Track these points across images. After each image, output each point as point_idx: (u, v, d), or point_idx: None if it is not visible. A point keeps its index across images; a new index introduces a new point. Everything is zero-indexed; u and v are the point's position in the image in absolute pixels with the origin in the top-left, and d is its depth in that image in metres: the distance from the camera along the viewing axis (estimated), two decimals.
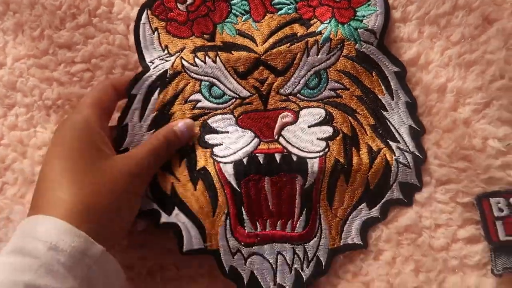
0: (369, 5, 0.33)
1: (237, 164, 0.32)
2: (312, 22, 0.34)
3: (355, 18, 0.33)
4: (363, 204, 0.32)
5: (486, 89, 0.32)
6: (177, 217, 0.31)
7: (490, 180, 0.31)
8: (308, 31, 0.33)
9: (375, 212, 0.32)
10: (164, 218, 0.31)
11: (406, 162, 0.32)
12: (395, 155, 0.32)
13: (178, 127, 0.32)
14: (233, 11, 0.35)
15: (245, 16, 0.35)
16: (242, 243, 0.31)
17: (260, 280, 0.31)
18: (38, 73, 0.36)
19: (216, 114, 0.33)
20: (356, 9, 0.33)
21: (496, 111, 0.31)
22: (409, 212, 0.32)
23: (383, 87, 0.33)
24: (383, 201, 0.32)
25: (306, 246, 0.31)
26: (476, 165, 0.31)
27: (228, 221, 0.32)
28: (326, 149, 0.32)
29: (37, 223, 0.26)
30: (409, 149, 0.32)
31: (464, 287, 0.30)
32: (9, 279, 0.23)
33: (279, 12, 0.34)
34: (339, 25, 0.33)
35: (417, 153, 0.32)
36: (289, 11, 0.34)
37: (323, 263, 0.31)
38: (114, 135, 0.33)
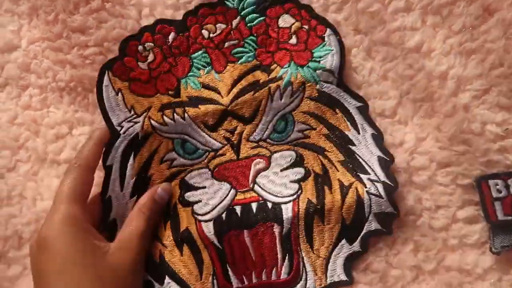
0: (324, 45, 0.34)
1: (217, 221, 0.33)
2: (272, 67, 0.34)
3: (313, 59, 0.34)
4: (343, 240, 0.33)
5: (486, 76, 0.33)
6: (169, 285, 0.33)
7: (488, 163, 0.32)
8: (269, 77, 0.34)
9: (356, 246, 0.32)
10: None
11: (377, 193, 0.32)
12: (366, 187, 0.32)
13: (158, 194, 0.33)
14: (195, 64, 0.35)
15: (207, 68, 0.35)
16: None
17: None
18: (52, 55, 0.37)
19: (192, 170, 0.34)
20: (313, 51, 0.34)
21: (495, 97, 0.32)
22: (410, 195, 0.33)
23: (348, 123, 0.34)
24: (362, 234, 0.32)
25: None
26: (475, 149, 0.32)
27: (215, 280, 0.33)
28: (299, 191, 0.33)
29: None
30: (380, 179, 0.32)
31: (463, 264, 0.31)
32: None
33: (240, 61, 0.35)
34: (298, 68, 0.34)
35: (388, 182, 0.32)
36: (249, 59, 0.35)
37: None
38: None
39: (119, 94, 0.35)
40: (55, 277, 0.28)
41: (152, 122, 0.34)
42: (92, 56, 0.37)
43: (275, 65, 0.34)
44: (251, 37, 0.35)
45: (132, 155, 0.34)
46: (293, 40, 0.34)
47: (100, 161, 0.34)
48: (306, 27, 0.34)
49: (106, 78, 0.35)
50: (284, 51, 0.34)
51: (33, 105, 0.37)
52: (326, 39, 0.34)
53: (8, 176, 0.37)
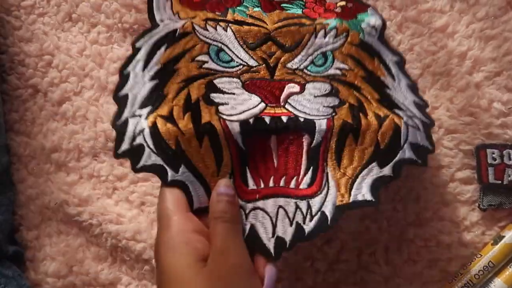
0: (367, 13, 0.36)
1: (244, 124, 0.31)
2: (318, 20, 0.35)
3: (357, 18, 0.36)
4: (374, 163, 0.31)
5: (499, 60, 0.37)
6: (184, 175, 0.30)
7: (489, 135, 0.36)
8: (315, 22, 0.35)
9: (387, 170, 0.31)
10: (171, 175, 0.30)
11: (414, 125, 0.32)
12: (403, 119, 0.31)
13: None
14: (245, 3, 0.36)
15: (257, 8, 0.35)
16: (244, 200, 0.31)
17: (259, 232, 0.30)
18: None
19: (222, 76, 0.32)
20: (357, 15, 0.36)
21: (504, 80, 0.36)
22: None
23: (384, 71, 0.34)
24: (395, 160, 0.31)
25: (310, 201, 0.31)
26: (480, 121, 0.36)
27: (232, 180, 0.31)
28: (334, 114, 0.32)
29: None
30: (417, 116, 0.33)
31: (454, 216, 0.36)
32: None
33: (287, 11, 0.36)
34: (344, 21, 0.35)
35: (424, 119, 0.32)
36: (297, 12, 0.36)
37: (329, 218, 0.30)
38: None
39: (169, 0, 0.35)
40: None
41: (194, 25, 0.33)
42: None
43: (321, 18, 0.35)
44: (300, 1, 0.37)
45: (164, 46, 0.33)
46: (338, 9, 0.36)
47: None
48: (351, 4, 0.37)
49: None
50: (331, 12, 0.36)
51: (100, 41, 0.43)
52: (369, 12, 0.37)
53: (74, 99, 0.42)
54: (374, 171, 0.31)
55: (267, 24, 0.34)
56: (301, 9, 0.36)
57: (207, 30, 0.34)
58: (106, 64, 0.42)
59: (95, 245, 0.41)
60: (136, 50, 0.33)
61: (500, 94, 0.36)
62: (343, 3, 0.37)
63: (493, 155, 0.35)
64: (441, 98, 0.38)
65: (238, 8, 0.35)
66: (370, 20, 0.35)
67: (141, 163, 0.30)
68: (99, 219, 0.40)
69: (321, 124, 0.31)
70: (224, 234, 0.28)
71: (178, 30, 0.33)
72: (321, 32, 0.34)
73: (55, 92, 0.42)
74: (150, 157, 0.30)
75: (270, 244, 0.30)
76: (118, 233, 0.40)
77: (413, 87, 0.34)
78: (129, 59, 0.33)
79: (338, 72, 0.34)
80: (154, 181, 0.41)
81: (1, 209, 0.40)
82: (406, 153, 0.31)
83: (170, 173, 0.30)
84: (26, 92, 0.43)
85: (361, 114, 0.32)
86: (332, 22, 0.34)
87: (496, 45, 0.37)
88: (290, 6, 0.36)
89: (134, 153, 0.30)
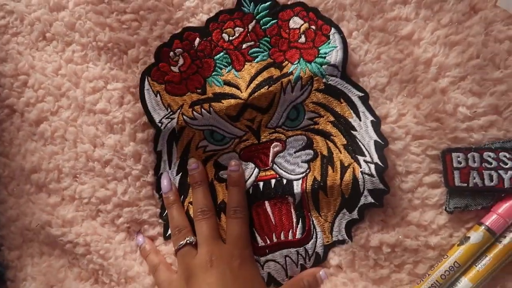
0: (329, 43, 0.39)
1: (246, 193, 0.40)
2: (284, 64, 0.39)
3: (319, 55, 0.39)
4: (344, 210, 0.39)
5: (464, 65, 0.37)
6: None
7: (455, 139, 0.37)
8: (282, 72, 0.39)
9: (354, 214, 0.38)
10: None
11: (369, 172, 0.37)
12: (361, 168, 0.37)
13: (320, 275, 0.39)
14: (218, 64, 0.40)
15: (228, 67, 0.40)
16: (257, 255, 0.39)
17: (276, 277, 0.40)
18: (94, 18, 0.42)
19: (223, 154, 0.41)
20: (319, 48, 0.39)
21: (469, 84, 0.37)
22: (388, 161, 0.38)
23: (351, 111, 0.39)
24: (359, 205, 0.38)
25: (306, 247, 0.39)
26: (446, 126, 0.37)
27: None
28: (308, 170, 0.39)
29: None
30: (373, 160, 0.37)
31: (422, 220, 0.38)
32: None
33: (256, 60, 0.40)
34: (307, 64, 0.39)
35: (379, 163, 0.37)
36: (264, 58, 0.39)
37: (321, 256, 0.39)
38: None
39: (158, 95, 0.41)
40: None
41: (185, 117, 0.40)
42: (129, 22, 0.41)
43: (286, 62, 0.39)
44: (266, 38, 0.40)
45: (174, 143, 0.41)
46: (302, 39, 0.39)
47: (148, 146, 0.42)
48: (314, 27, 0.39)
49: (146, 82, 0.41)
50: (294, 49, 0.39)
51: (75, 59, 0.43)
52: (331, 37, 0.39)
53: (51, 119, 0.43)
54: (346, 216, 0.39)
55: (241, 92, 0.39)
56: (268, 50, 0.40)
57: (195, 119, 0.40)
58: (82, 83, 0.42)
59: (77, 266, 0.42)
60: (158, 154, 0.42)
61: (465, 98, 0.37)
62: (306, 26, 0.39)
63: (458, 159, 0.36)
64: (408, 105, 0.38)
65: (213, 76, 0.40)
66: (331, 57, 0.38)
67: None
68: (87, 239, 0.41)
69: (298, 187, 0.39)
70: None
71: (175, 128, 0.41)
72: (288, 88, 0.39)
73: (31, 112, 0.43)
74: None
75: None
76: (109, 250, 0.40)
77: (376, 124, 0.38)
78: (158, 164, 0.42)
79: (310, 122, 0.40)
80: (141, 205, 0.41)
81: None
82: (367, 198, 0.38)
83: None
84: (2, 112, 0.43)
85: (329, 167, 0.39)
86: (297, 70, 0.39)
87: (460, 51, 0.38)
88: (257, 51, 0.40)
89: None
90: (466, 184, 0.36)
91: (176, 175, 0.41)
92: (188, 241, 0.39)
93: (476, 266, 0.35)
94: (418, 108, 0.38)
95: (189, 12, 0.41)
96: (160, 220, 0.42)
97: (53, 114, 0.43)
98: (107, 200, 0.41)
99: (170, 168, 0.41)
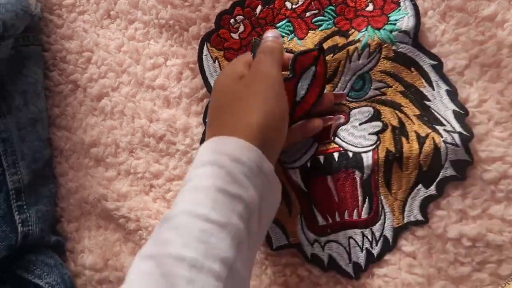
0: (399, 10, 0.36)
1: (303, 169, 0.37)
2: (350, 32, 0.37)
3: (389, 22, 0.36)
4: (419, 185, 0.35)
5: None
6: None
7: None
8: (347, 41, 0.37)
9: (432, 190, 0.35)
10: None
11: (453, 142, 0.34)
12: (442, 137, 0.34)
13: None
14: (280, 32, 0.38)
15: (290, 36, 0.38)
16: (318, 234, 0.36)
17: (338, 261, 0.36)
18: None
19: None
20: (389, 15, 0.36)
21: None
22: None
23: (423, 80, 0.35)
24: (438, 179, 0.34)
25: (372, 229, 0.36)
26: None
27: (303, 218, 0.37)
28: (378, 142, 0.36)
29: (225, 142, 0.29)
30: (455, 130, 0.34)
31: (506, 215, 0.34)
32: (203, 184, 0.27)
33: (320, 28, 0.38)
34: (375, 31, 0.36)
35: (463, 132, 0.34)
36: (329, 26, 0.38)
37: (390, 240, 0.36)
38: None
39: (216, 61, 0.40)
40: (254, 88, 0.31)
41: None
42: None
43: (352, 30, 0.37)
44: (330, 7, 0.38)
45: None
46: (370, 7, 0.37)
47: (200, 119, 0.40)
48: None
49: (205, 48, 0.40)
50: (362, 17, 0.37)
51: (137, 37, 0.43)
52: (401, 4, 0.36)
53: (112, 94, 0.43)
54: (421, 192, 0.35)
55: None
56: (333, 19, 0.38)
57: None
58: (143, 60, 0.43)
59: (131, 241, 0.42)
60: (206, 124, 0.39)
61: None
62: None
63: None
64: (490, 90, 0.35)
65: None
66: (402, 23, 0.36)
67: None
68: (138, 214, 0.41)
69: (368, 159, 0.36)
70: (262, 56, 0.33)
71: None
72: (355, 55, 0.36)
73: (94, 88, 0.44)
74: None
75: (349, 269, 0.37)
76: None
77: (452, 94, 0.35)
78: (204, 134, 0.40)
79: (377, 92, 0.37)
80: None
81: (43, 200, 0.41)
82: (448, 171, 0.34)
83: None
84: (67, 87, 0.45)
85: (403, 138, 0.35)
86: (364, 38, 0.36)
87: None
88: (321, 19, 0.38)
89: None
90: None
91: None
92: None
93: None
94: (502, 94, 0.35)
95: None
96: None
97: (114, 89, 0.43)
98: (160, 175, 0.41)
99: None
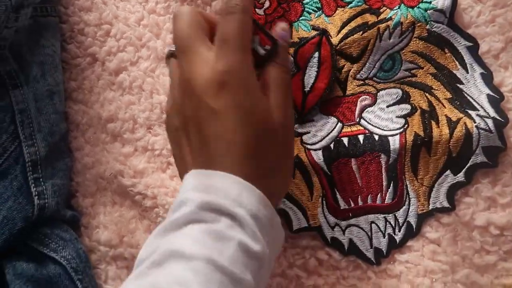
0: None
1: (326, 150, 0.35)
2: (381, 10, 0.35)
3: (423, 1, 0.34)
4: (448, 171, 0.34)
5: None
6: (284, 204, 0.37)
7: None
8: (378, 19, 0.35)
9: (460, 177, 0.33)
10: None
11: (487, 127, 0.32)
12: (475, 122, 0.33)
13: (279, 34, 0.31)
14: (306, 9, 0.37)
15: (318, 12, 0.37)
16: (339, 218, 0.36)
17: (358, 245, 0.36)
18: None
19: None
20: None
21: None
22: None
23: (456, 62, 0.34)
24: (467, 165, 0.33)
25: (396, 214, 0.35)
26: None
27: (324, 201, 0.36)
28: (406, 125, 0.34)
29: (232, 187, 0.27)
30: (489, 115, 0.33)
31: None
32: (225, 234, 0.25)
33: (349, 6, 0.36)
34: (409, 9, 0.34)
35: (498, 117, 0.32)
36: (359, 3, 0.36)
37: (414, 227, 0.35)
38: None
39: None
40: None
41: None
42: None
43: (384, 8, 0.35)
44: None
45: None
46: None
47: None
48: None
49: None
50: None
51: (157, 10, 0.42)
52: None
53: (130, 69, 0.42)
54: (449, 179, 0.34)
55: (331, 37, 0.36)
56: None
57: None
58: (163, 35, 0.42)
59: (147, 219, 0.41)
60: None
61: None
62: None
63: None
64: None
65: (301, 20, 0.37)
66: (438, 1, 0.34)
67: None
68: (154, 191, 0.40)
69: (395, 142, 0.34)
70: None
71: None
72: (386, 34, 0.35)
73: (112, 62, 0.42)
74: None
75: (370, 254, 0.36)
76: None
77: (487, 77, 0.34)
78: None
79: (407, 73, 0.35)
80: None
81: (59, 174, 0.41)
82: (479, 157, 0.33)
83: None
84: (84, 61, 0.44)
85: (432, 122, 0.34)
86: (397, 16, 0.35)
87: None
88: None
89: None
90: None
91: None
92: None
93: None
94: None
95: None
96: None
97: (133, 64, 0.42)
98: None
99: None
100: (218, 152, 0.28)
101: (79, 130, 0.44)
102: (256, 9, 0.38)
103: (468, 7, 0.35)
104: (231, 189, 0.26)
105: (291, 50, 0.36)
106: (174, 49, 0.31)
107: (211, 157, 0.28)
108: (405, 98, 0.35)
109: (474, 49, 0.34)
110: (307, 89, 0.36)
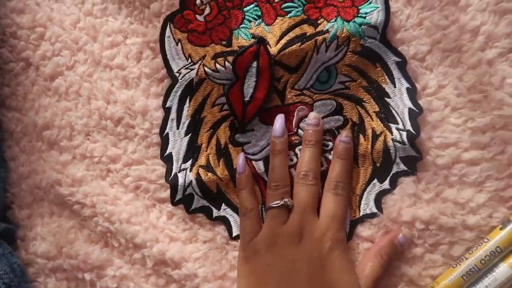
0: (370, 2, 0.36)
1: (266, 160, 0.37)
2: (319, 22, 0.36)
3: (359, 15, 0.36)
4: (375, 180, 0.36)
5: None
6: (225, 211, 0.38)
7: (500, 114, 0.34)
8: (316, 30, 0.36)
9: (386, 184, 0.36)
10: (215, 213, 0.38)
11: (401, 140, 0.35)
12: (392, 135, 0.35)
13: (398, 241, 0.34)
14: (247, 17, 0.37)
15: (258, 21, 0.37)
16: None
17: None
18: None
19: None
20: (359, 7, 0.36)
21: None
22: (422, 133, 0.35)
23: (386, 77, 0.36)
24: (390, 174, 0.36)
25: None
26: (491, 99, 0.34)
27: (263, 208, 0.37)
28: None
29: None
30: (405, 128, 0.35)
31: (458, 198, 0.35)
32: None
33: (289, 15, 0.37)
34: (345, 23, 0.36)
35: (411, 130, 0.35)
36: (298, 14, 0.36)
37: (346, 233, 0.36)
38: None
39: (179, 44, 0.38)
40: None
41: (206, 69, 0.37)
42: None
43: (322, 19, 0.36)
44: None
45: (188, 99, 0.38)
46: None
47: (160, 101, 0.38)
48: None
49: (168, 29, 0.38)
50: (332, 7, 0.36)
51: (94, 12, 0.41)
52: None
53: (67, 73, 0.41)
54: (376, 187, 0.36)
55: (270, 47, 0.36)
56: (302, 6, 0.37)
57: (217, 71, 0.37)
58: (100, 38, 0.41)
59: (87, 228, 0.40)
60: (167, 110, 0.39)
61: None
62: None
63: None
64: (449, 76, 0.35)
65: (241, 28, 0.37)
66: (371, 17, 0.35)
67: (193, 206, 0.38)
68: (93, 200, 0.39)
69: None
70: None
71: (194, 79, 0.38)
72: (323, 47, 0.36)
73: (47, 66, 0.41)
74: (198, 201, 0.38)
75: None
76: (113, 214, 0.39)
77: (412, 92, 0.36)
78: (165, 121, 0.39)
79: (341, 86, 0.37)
80: (148, 164, 0.39)
81: None
82: (399, 166, 0.36)
83: (214, 211, 0.38)
84: (18, 65, 0.42)
85: (360, 135, 0.37)
86: (333, 28, 0.36)
87: (511, 20, 0.34)
88: (291, 5, 0.37)
89: (187, 200, 0.38)
90: None
91: (185, 136, 0.38)
92: (285, 203, 0.34)
93: None
94: (461, 79, 0.35)
95: None
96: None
97: (69, 68, 0.41)
98: (117, 159, 0.40)
99: (178, 128, 0.38)
100: None
101: (13, 138, 0.42)
102: (196, 15, 0.38)
103: (398, 10, 0.36)
104: None
105: (230, 59, 0.37)
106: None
107: None
108: (338, 110, 0.37)
109: (402, 64, 0.36)
110: (247, 98, 0.36)
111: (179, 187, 0.38)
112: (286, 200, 0.34)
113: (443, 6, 0.36)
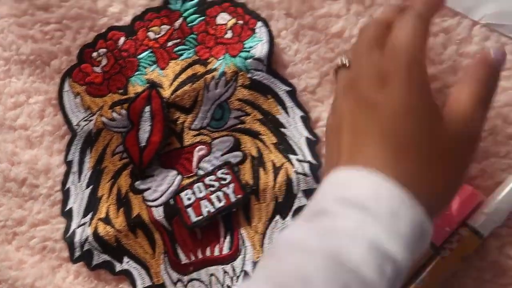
0: (254, 36, 0.37)
1: (166, 206, 0.36)
2: (209, 61, 0.38)
3: (244, 50, 0.37)
4: (277, 216, 0.36)
5: None
6: (128, 264, 0.37)
7: None
8: (206, 69, 0.37)
9: (288, 221, 0.35)
10: (118, 267, 0.37)
11: (303, 172, 0.35)
12: (294, 167, 0.35)
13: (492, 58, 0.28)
14: (142, 63, 0.38)
15: (153, 66, 0.38)
16: (181, 273, 0.36)
17: None
18: (17, 30, 0.40)
19: None
20: (244, 42, 0.37)
21: None
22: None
23: (279, 107, 0.36)
24: (293, 209, 0.35)
25: (233, 264, 0.36)
26: None
27: (166, 257, 0.36)
28: (238, 174, 0.36)
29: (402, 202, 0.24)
30: (306, 159, 0.35)
31: None
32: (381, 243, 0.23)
33: (181, 57, 0.38)
34: (231, 59, 0.37)
35: (312, 161, 0.35)
36: (190, 55, 0.37)
37: (250, 275, 0.35)
38: None
39: (78, 97, 0.38)
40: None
41: (103, 118, 0.37)
42: (52, 32, 0.40)
43: (212, 58, 0.37)
44: (192, 35, 0.38)
45: (88, 150, 0.38)
46: (229, 34, 0.37)
47: (62, 157, 0.38)
48: (241, 22, 0.37)
49: (66, 84, 0.39)
50: (221, 45, 0.37)
51: None
52: (257, 30, 0.37)
53: None
54: (278, 224, 0.36)
55: (164, 89, 0.37)
56: (194, 47, 0.38)
57: (114, 120, 0.37)
58: (4, 99, 0.40)
59: None
60: (69, 164, 0.38)
61: None
62: (233, 21, 0.38)
63: (187, 196, 0.36)
64: None
65: (136, 74, 0.38)
66: (256, 50, 0.37)
67: (94, 262, 0.37)
68: None
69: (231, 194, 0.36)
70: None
71: (92, 131, 0.38)
72: (212, 84, 0.36)
73: None
74: (99, 256, 0.37)
75: None
76: (17, 279, 0.37)
77: (306, 119, 0.36)
78: (66, 175, 0.38)
79: (237, 121, 0.37)
80: (53, 223, 0.38)
81: None
82: (301, 200, 0.35)
83: (117, 265, 0.37)
84: None
85: (260, 169, 0.36)
86: (221, 66, 0.37)
87: None
88: (183, 48, 0.38)
89: (86, 257, 0.37)
90: (201, 216, 0.35)
91: (86, 188, 0.38)
92: None
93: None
94: None
95: (114, 18, 0.39)
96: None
97: None
98: (23, 221, 0.38)
99: (80, 181, 0.38)
100: (367, 147, 0.26)
101: None
102: (94, 67, 0.39)
103: (286, 46, 0.37)
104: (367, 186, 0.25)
105: (125, 106, 0.37)
106: (345, 61, 0.32)
107: (360, 152, 0.26)
108: (237, 145, 0.37)
109: (292, 93, 0.37)
110: (142, 144, 0.36)
111: (76, 244, 0.37)
112: None
113: (329, 39, 0.37)
